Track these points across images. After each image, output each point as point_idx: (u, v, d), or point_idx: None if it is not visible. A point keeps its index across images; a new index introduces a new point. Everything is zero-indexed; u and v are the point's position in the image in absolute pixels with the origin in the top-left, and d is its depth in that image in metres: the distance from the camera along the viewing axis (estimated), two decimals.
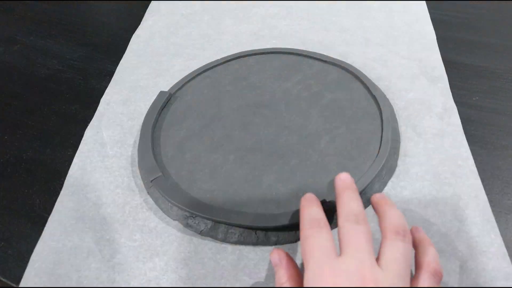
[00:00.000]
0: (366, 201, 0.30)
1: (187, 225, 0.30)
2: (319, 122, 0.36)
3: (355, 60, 0.43)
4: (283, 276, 0.24)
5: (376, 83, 0.40)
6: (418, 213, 0.30)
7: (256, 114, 0.37)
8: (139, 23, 0.52)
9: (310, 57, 0.42)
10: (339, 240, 0.22)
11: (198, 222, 0.30)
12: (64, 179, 0.35)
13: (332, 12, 0.51)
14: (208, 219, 0.29)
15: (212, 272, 0.28)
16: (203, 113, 0.38)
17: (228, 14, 0.52)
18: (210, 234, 0.30)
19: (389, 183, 0.32)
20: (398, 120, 0.37)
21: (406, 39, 0.46)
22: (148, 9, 0.55)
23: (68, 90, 0.44)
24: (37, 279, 0.28)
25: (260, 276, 0.27)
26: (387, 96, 0.39)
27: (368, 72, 0.42)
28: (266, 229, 0.29)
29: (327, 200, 0.29)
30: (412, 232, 0.25)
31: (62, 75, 0.46)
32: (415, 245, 0.24)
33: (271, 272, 0.27)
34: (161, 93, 0.39)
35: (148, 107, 0.39)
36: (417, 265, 0.23)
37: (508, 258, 0.27)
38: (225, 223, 0.29)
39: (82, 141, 0.37)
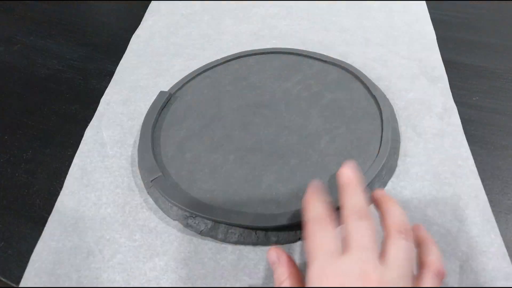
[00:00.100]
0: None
1: (187, 225, 0.30)
2: (319, 122, 0.36)
3: (355, 60, 0.43)
4: (283, 274, 0.23)
5: (376, 83, 0.40)
6: (418, 213, 0.30)
7: (256, 114, 0.37)
8: (139, 23, 0.52)
9: (310, 57, 0.42)
10: (342, 236, 0.22)
11: (198, 222, 0.30)
12: (64, 179, 0.35)
13: (332, 12, 0.51)
14: (208, 219, 0.29)
15: (212, 272, 0.28)
16: (203, 113, 0.38)
17: (228, 14, 0.52)
18: (210, 234, 0.30)
19: (389, 183, 0.32)
20: (398, 120, 0.37)
21: (406, 39, 0.46)
22: (148, 9, 0.55)
23: (68, 90, 0.44)
24: (37, 279, 0.28)
25: (260, 276, 0.27)
26: (387, 96, 0.39)
27: (368, 72, 0.42)
28: (266, 229, 0.29)
29: (327, 201, 0.29)
30: (414, 230, 0.25)
31: (62, 75, 0.46)
32: (418, 243, 0.24)
33: (271, 272, 0.27)
34: (161, 93, 0.39)
35: (148, 107, 0.39)
36: (420, 264, 0.23)
37: (508, 258, 0.27)
38: (225, 223, 0.29)
39: (82, 141, 0.37)
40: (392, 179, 0.32)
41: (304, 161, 0.33)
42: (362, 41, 0.46)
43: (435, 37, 0.46)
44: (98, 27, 0.53)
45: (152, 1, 0.56)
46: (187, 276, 0.28)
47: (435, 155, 0.34)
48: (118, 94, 0.42)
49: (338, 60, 0.41)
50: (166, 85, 0.42)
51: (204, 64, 0.44)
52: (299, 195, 0.30)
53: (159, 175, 0.32)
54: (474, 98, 0.40)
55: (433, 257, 0.23)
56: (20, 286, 0.28)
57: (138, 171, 0.34)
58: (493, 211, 0.30)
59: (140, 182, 0.34)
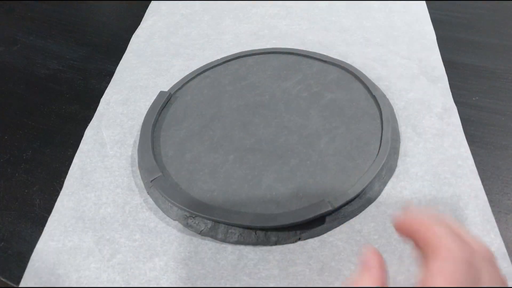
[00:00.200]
0: (366, 201, 0.31)
1: (187, 225, 0.30)
2: (319, 122, 0.36)
3: (355, 60, 0.43)
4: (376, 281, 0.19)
5: (376, 83, 0.40)
6: None
7: (256, 114, 0.37)
8: (139, 23, 0.52)
9: (310, 57, 0.42)
10: None
11: (198, 222, 0.30)
12: (64, 179, 0.35)
13: (332, 12, 0.51)
14: (208, 219, 0.30)
15: (212, 272, 0.28)
16: (203, 113, 0.38)
17: (228, 14, 0.52)
18: (210, 234, 0.30)
19: (389, 183, 0.32)
20: (398, 120, 0.37)
21: (406, 39, 0.46)
22: (148, 9, 0.55)
23: (68, 90, 0.44)
24: (37, 279, 0.28)
25: (260, 276, 0.27)
26: (387, 96, 0.39)
27: (368, 72, 0.42)
28: (266, 229, 0.29)
29: (327, 200, 0.29)
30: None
31: (62, 75, 0.46)
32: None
33: (271, 272, 0.27)
34: (161, 93, 0.39)
35: (148, 107, 0.39)
36: None
37: (508, 258, 0.27)
38: (225, 223, 0.29)
39: (82, 141, 0.37)
40: (392, 179, 0.32)
41: (304, 161, 0.33)
42: (362, 41, 0.46)
43: (435, 37, 0.46)
44: (98, 27, 0.53)
45: (152, 1, 0.56)
46: (187, 276, 0.28)
47: (435, 155, 0.34)
48: (118, 94, 0.42)
49: (338, 60, 0.41)
50: (166, 85, 0.42)
51: (204, 64, 0.44)
52: (299, 195, 0.30)
53: (159, 175, 0.32)
54: (474, 98, 0.39)
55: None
56: (20, 286, 0.28)
57: (138, 171, 0.34)
58: (493, 211, 0.30)
59: (140, 182, 0.34)
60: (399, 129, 0.36)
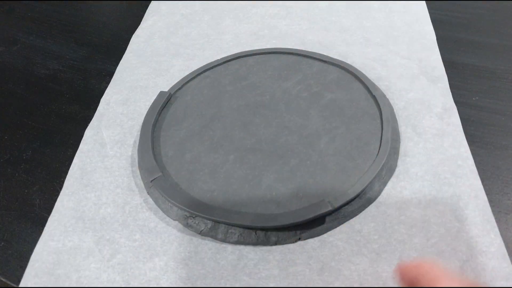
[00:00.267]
0: (366, 201, 0.31)
1: (187, 225, 0.30)
2: (319, 122, 0.36)
3: (355, 60, 0.43)
4: None
5: (376, 83, 0.40)
6: (418, 213, 0.30)
7: (256, 114, 0.37)
8: (139, 23, 0.52)
9: (310, 57, 0.42)
10: None
11: (198, 222, 0.30)
12: (64, 179, 0.35)
13: (332, 12, 0.51)
14: (208, 219, 0.30)
15: (212, 272, 0.28)
16: (203, 113, 0.38)
17: (228, 14, 0.52)
18: (210, 234, 0.30)
19: (389, 183, 0.32)
20: (398, 120, 0.37)
21: (406, 39, 0.46)
22: (148, 9, 0.55)
23: (68, 90, 0.44)
24: (37, 279, 0.28)
25: (260, 276, 0.27)
26: (387, 96, 0.39)
27: (368, 72, 0.42)
28: (266, 229, 0.29)
29: (327, 200, 0.29)
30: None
31: (62, 75, 0.46)
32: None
33: (271, 272, 0.27)
34: (161, 93, 0.39)
35: (148, 107, 0.39)
36: None
37: (508, 258, 0.27)
38: (225, 223, 0.29)
39: (82, 141, 0.37)
40: (392, 179, 0.32)
41: (304, 161, 0.33)
42: (362, 41, 0.46)
43: (435, 37, 0.46)
44: (98, 27, 0.53)
45: (152, 1, 0.56)
46: (187, 276, 0.28)
47: (435, 155, 0.34)
48: (118, 94, 0.42)
49: (338, 60, 0.41)
50: (166, 85, 0.42)
51: (204, 64, 0.44)
52: (299, 195, 0.30)
53: (159, 175, 0.32)
54: (474, 98, 0.40)
55: None
56: (20, 286, 0.28)
57: (138, 171, 0.34)
58: (493, 211, 0.30)
59: (140, 182, 0.34)
60: (399, 129, 0.36)
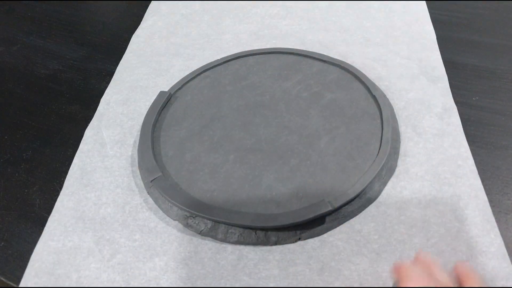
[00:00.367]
0: (366, 201, 0.31)
1: (187, 225, 0.30)
2: (319, 122, 0.35)
3: (355, 60, 0.43)
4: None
5: (376, 83, 0.40)
6: (418, 213, 0.30)
7: (256, 114, 0.37)
8: (139, 23, 0.52)
9: (310, 57, 0.42)
10: None
11: (198, 222, 0.30)
12: (64, 179, 0.35)
13: (332, 12, 0.51)
14: (208, 219, 0.29)
15: (212, 272, 0.28)
16: (203, 113, 0.38)
17: (228, 14, 0.52)
18: (210, 234, 0.30)
19: (389, 183, 0.32)
20: (398, 120, 0.37)
21: (406, 39, 0.46)
22: (148, 9, 0.55)
23: (68, 90, 0.44)
24: (37, 279, 0.28)
25: (260, 276, 0.27)
26: (387, 96, 0.39)
27: (368, 72, 0.42)
28: (266, 229, 0.29)
29: (327, 200, 0.29)
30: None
31: (62, 75, 0.46)
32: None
33: (271, 272, 0.27)
34: (161, 93, 0.39)
35: (148, 107, 0.39)
36: None
37: (508, 258, 0.27)
38: (225, 223, 0.29)
39: (82, 141, 0.37)
40: (392, 179, 0.32)
41: (304, 161, 0.33)
42: (362, 41, 0.46)
43: (435, 37, 0.46)
44: (98, 27, 0.53)
45: (152, 1, 0.56)
46: (187, 276, 0.28)
47: (435, 155, 0.34)
48: (118, 94, 0.42)
49: (338, 60, 0.41)
50: (166, 85, 0.42)
51: (204, 64, 0.44)
52: (299, 195, 0.30)
53: (159, 175, 0.32)
54: (474, 98, 0.39)
55: None
56: (20, 286, 0.28)
57: (138, 171, 0.34)
58: (493, 211, 0.30)
59: (140, 182, 0.34)
60: (399, 129, 0.36)
